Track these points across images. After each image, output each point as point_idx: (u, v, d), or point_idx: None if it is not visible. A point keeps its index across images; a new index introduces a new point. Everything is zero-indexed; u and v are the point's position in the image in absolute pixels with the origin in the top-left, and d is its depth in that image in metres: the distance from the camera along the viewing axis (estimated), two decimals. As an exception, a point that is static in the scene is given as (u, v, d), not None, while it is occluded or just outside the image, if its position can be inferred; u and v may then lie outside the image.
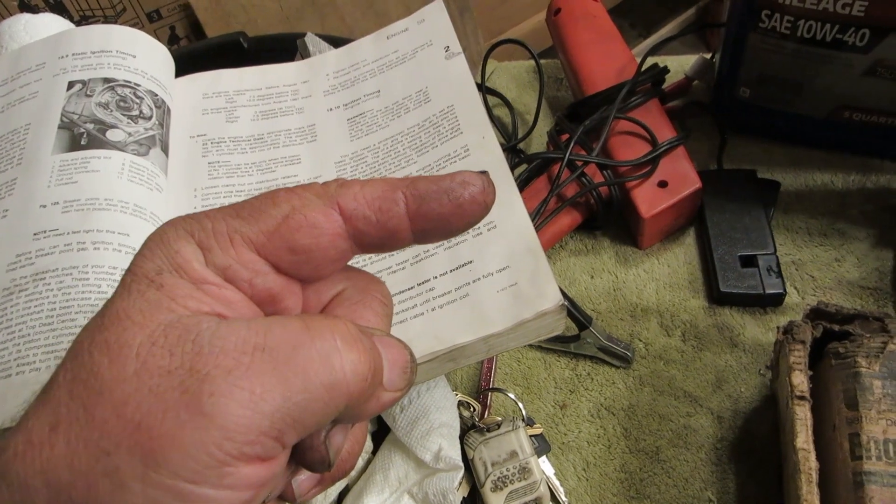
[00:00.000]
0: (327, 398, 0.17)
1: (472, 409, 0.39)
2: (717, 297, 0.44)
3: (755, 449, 0.38)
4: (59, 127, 0.37)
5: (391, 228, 0.20)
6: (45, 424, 0.16)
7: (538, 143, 0.55)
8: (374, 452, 0.36)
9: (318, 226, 0.19)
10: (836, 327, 0.34)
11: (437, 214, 0.20)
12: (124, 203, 0.34)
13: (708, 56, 0.54)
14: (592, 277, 0.46)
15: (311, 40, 0.49)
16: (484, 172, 0.21)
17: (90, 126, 0.37)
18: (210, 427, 0.15)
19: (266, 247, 0.18)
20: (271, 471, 0.17)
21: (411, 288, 0.32)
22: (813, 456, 0.31)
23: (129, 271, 0.18)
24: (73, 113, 0.38)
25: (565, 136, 0.48)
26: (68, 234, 0.32)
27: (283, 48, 0.51)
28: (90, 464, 0.15)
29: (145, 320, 0.16)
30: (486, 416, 0.40)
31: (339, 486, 0.34)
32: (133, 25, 0.45)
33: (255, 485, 0.16)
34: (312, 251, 0.19)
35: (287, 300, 0.20)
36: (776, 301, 0.43)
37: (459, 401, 0.39)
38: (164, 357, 0.16)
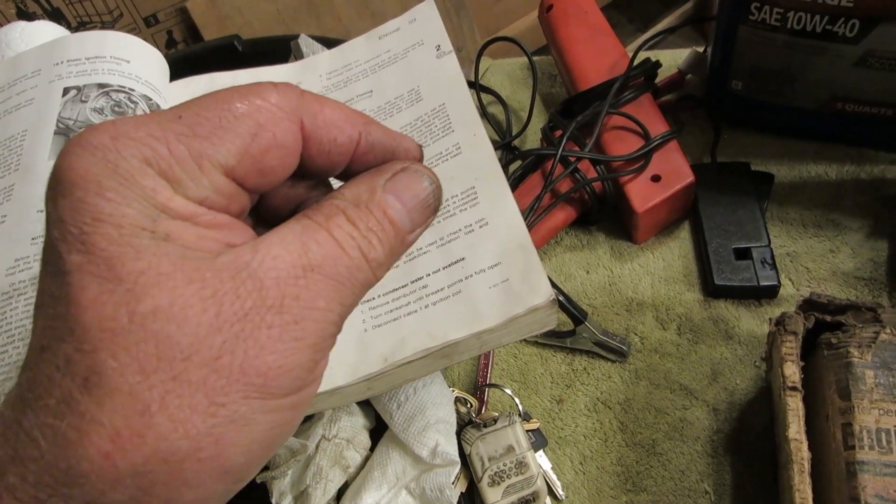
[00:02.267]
0: (367, 287, 0.19)
1: (468, 405, 0.40)
2: (711, 290, 0.44)
3: (751, 441, 0.38)
4: (55, 133, 0.38)
5: (334, 161, 0.19)
6: (130, 413, 0.15)
7: (533, 139, 0.55)
8: (371, 449, 0.37)
9: (287, 146, 0.18)
10: (829, 318, 0.35)
11: (373, 166, 0.20)
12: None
13: (701, 49, 0.54)
14: (588, 272, 0.47)
15: (305, 42, 0.50)
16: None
17: (85, 131, 0.38)
18: (304, 349, 0.17)
19: (236, 170, 0.17)
20: (329, 354, 0.18)
21: (405, 286, 0.33)
22: (805, 446, 0.31)
23: (102, 222, 0.15)
24: (69, 119, 0.38)
25: (559, 133, 0.48)
26: (65, 238, 0.32)
27: (277, 50, 0.51)
28: (209, 422, 0.15)
29: (185, 274, 0.15)
30: (482, 411, 0.40)
31: (338, 482, 0.35)
32: (130, 30, 0.45)
33: (324, 369, 0.19)
34: (277, 172, 0.18)
35: (246, 210, 0.19)
36: (771, 293, 0.43)
37: (456, 397, 0.39)
38: (234, 302, 0.16)
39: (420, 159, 0.21)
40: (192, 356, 0.15)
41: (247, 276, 0.16)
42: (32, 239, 0.33)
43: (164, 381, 0.15)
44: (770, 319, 0.36)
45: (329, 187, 0.22)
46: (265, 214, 0.21)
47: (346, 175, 0.20)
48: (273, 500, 0.35)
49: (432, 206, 0.20)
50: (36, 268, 0.31)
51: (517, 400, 0.40)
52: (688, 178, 0.45)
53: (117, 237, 0.15)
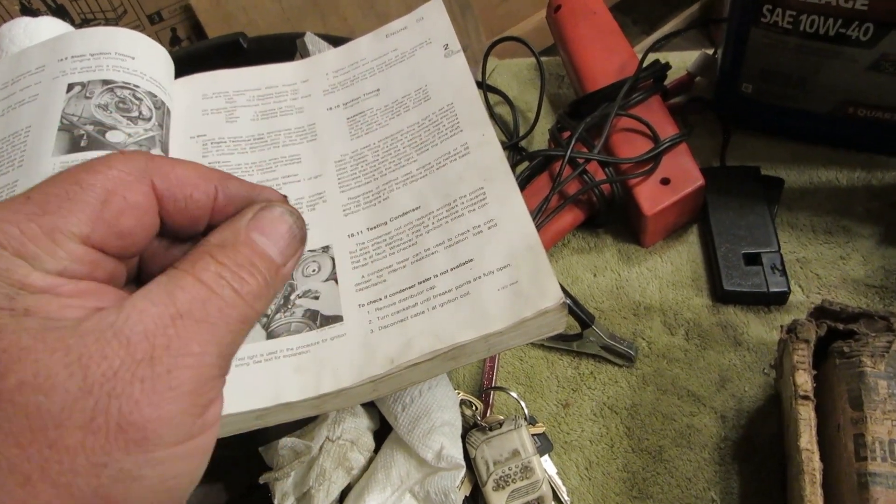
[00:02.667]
0: (247, 323, 0.19)
1: (474, 408, 0.39)
2: (720, 296, 0.43)
3: (759, 449, 0.38)
4: (59, 129, 0.37)
5: (194, 217, 0.20)
6: (11, 487, 0.15)
7: (540, 140, 0.55)
8: (376, 451, 0.36)
9: (142, 207, 0.19)
10: (841, 326, 0.34)
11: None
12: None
13: (710, 52, 0.53)
14: (595, 275, 0.46)
15: (311, 40, 0.49)
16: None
17: (90, 128, 0.37)
18: (181, 396, 0.17)
19: (91, 237, 0.18)
20: (222, 396, 0.18)
21: (412, 287, 0.32)
22: (817, 456, 0.31)
23: None
24: (73, 115, 0.38)
25: (567, 134, 0.48)
26: (68, 235, 0.32)
27: (283, 48, 0.51)
28: (93, 483, 0.16)
29: (47, 345, 0.16)
30: (488, 414, 0.40)
31: (342, 484, 0.34)
32: (134, 27, 0.45)
33: (220, 412, 0.18)
34: (137, 233, 0.19)
35: (121, 276, 0.19)
36: (780, 299, 0.43)
37: (461, 399, 0.38)
38: (101, 363, 0.16)
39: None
40: (65, 422, 0.15)
41: (112, 336, 0.16)
42: (35, 235, 0.32)
43: (41, 450, 0.15)
44: (781, 326, 0.35)
45: None
46: (148, 280, 0.21)
47: (210, 230, 0.21)
48: (276, 502, 0.34)
49: (298, 237, 0.21)
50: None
51: (523, 403, 0.39)
52: (697, 181, 0.45)
53: None
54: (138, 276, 0.21)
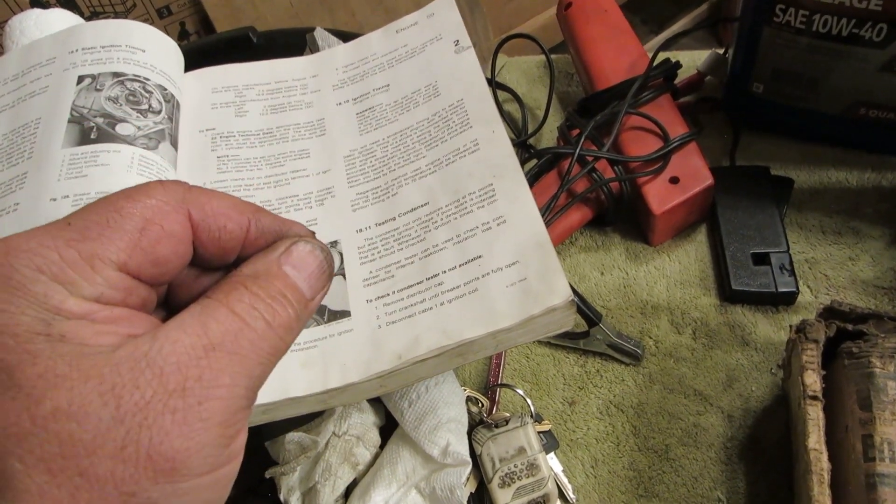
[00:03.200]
0: (276, 355, 0.19)
1: (480, 405, 0.39)
2: (728, 295, 0.43)
3: (766, 448, 0.38)
4: (69, 121, 0.37)
5: (226, 248, 0.20)
6: None
7: (548, 138, 0.55)
8: (381, 447, 0.36)
9: (177, 235, 0.19)
10: (850, 327, 0.34)
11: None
12: (134, 196, 0.34)
13: (721, 51, 0.53)
14: (602, 274, 0.46)
15: (321, 35, 0.49)
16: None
17: (100, 120, 0.37)
18: (211, 428, 0.17)
19: (128, 264, 0.18)
20: (246, 426, 0.19)
21: (420, 282, 0.32)
22: (825, 457, 0.31)
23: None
24: (83, 107, 0.38)
25: (576, 132, 0.48)
26: (78, 227, 0.32)
27: (293, 43, 0.51)
28: None
29: (82, 372, 0.16)
30: (494, 411, 0.40)
31: (347, 479, 0.34)
32: (143, 21, 0.45)
33: (244, 442, 0.19)
34: (172, 261, 0.19)
35: (152, 303, 0.20)
36: (789, 300, 0.42)
37: (467, 396, 0.38)
38: (134, 392, 0.16)
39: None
40: (97, 450, 0.16)
41: (145, 366, 0.16)
42: (45, 227, 0.32)
43: (72, 478, 0.15)
44: (790, 326, 0.35)
45: None
46: (176, 307, 0.21)
47: (240, 262, 0.21)
48: (281, 496, 0.34)
49: (327, 272, 0.21)
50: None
51: (529, 401, 0.39)
52: (707, 180, 0.44)
53: (14, 346, 0.16)
54: (166, 302, 0.21)
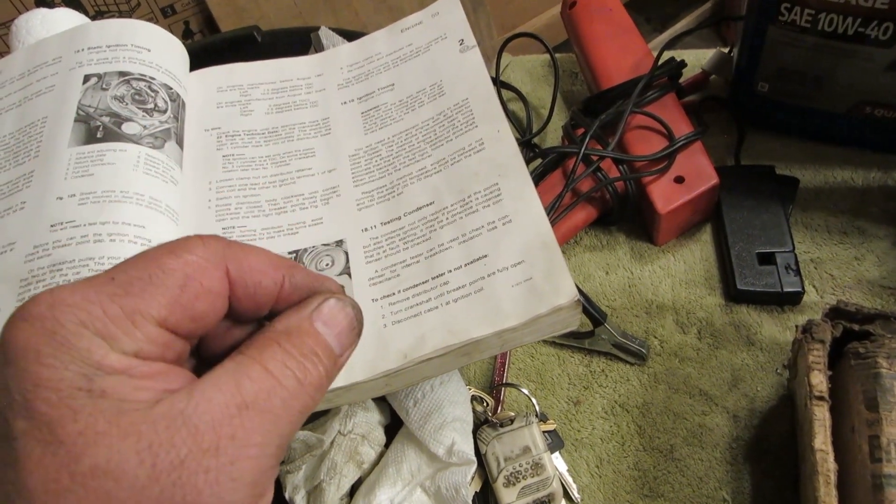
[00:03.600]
0: (305, 413, 0.19)
1: (485, 404, 0.39)
2: (733, 295, 0.43)
3: (771, 449, 0.38)
4: (76, 120, 0.37)
5: (260, 303, 0.21)
6: None
7: (553, 137, 0.55)
8: (386, 445, 0.36)
9: (215, 291, 0.19)
10: (857, 327, 0.34)
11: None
12: (140, 195, 0.34)
13: (725, 50, 0.53)
14: (607, 273, 0.46)
15: (325, 34, 0.49)
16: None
17: (106, 119, 0.37)
18: (242, 487, 0.17)
19: (168, 320, 0.18)
20: (272, 486, 0.19)
21: (425, 282, 0.32)
22: (831, 457, 0.31)
23: (42, 388, 0.16)
24: (89, 106, 0.38)
25: (580, 131, 0.48)
26: (85, 225, 0.32)
27: (297, 42, 0.51)
28: None
29: (121, 429, 0.16)
30: (499, 411, 0.40)
31: (352, 477, 0.34)
32: (148, 20, 0.45)
33: (270, 501, 0.19)
34: (209, 316, 0.20)
35: (185, 354, 0.20)
36: (794, 299, 0.42)
37: (473, 396, 0.38)
38: (170, 451, 0.16)
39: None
40: None
41: (181, 424, 0.17)
42: (51, 226, 0.33)
43: None
44: (796, 326, 0.35)
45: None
46: (207, 357, 0.22)
47: (273, 316, 0.22)
48: (286, 495, 0.34)
49: (357, 330, 0.22)
50: (55, 255, 0.31)
51: (534, 400, 0.39)
52: (712, 180, 0.44)
53: (56, 401, 0.16)
54: (197, 351, 0.21)
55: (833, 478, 0.30)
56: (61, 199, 0.34)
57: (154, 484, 0.16)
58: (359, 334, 0.22)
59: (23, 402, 0.16)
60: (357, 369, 0.30)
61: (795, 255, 0.43)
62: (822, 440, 0.31)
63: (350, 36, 0.49)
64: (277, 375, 0.18)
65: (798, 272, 0.42)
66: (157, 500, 0.16)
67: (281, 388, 0.18)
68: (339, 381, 0.30)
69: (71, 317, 0.17)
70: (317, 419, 0.36)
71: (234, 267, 0.20)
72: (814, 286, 0.43)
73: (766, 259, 0.43)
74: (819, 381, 0.32)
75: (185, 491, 0.16)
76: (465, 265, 0.32)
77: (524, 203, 0.33)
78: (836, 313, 0.35)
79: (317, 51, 0.49)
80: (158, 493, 0.16)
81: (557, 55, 0.56)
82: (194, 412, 0.17)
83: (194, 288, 0.19)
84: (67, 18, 0.48)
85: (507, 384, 0.41)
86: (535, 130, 0.54)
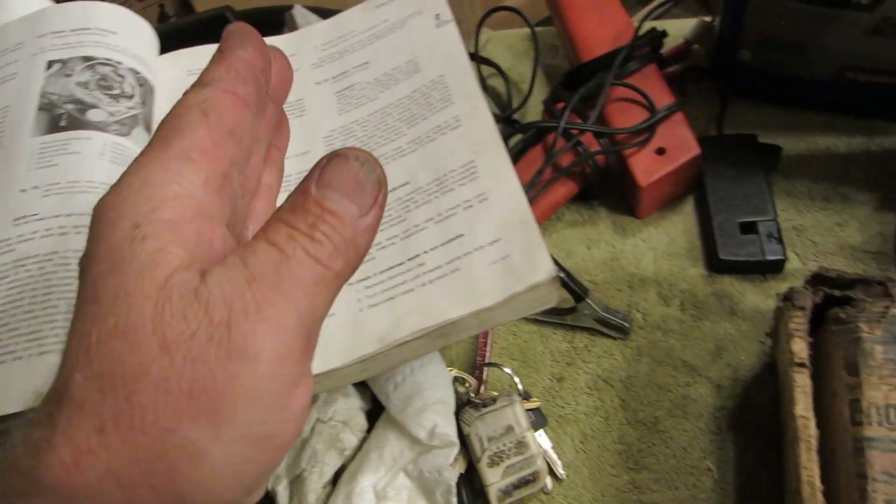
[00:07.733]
0: (324, 285, 0.18)
1: (467, 385, 0.39)
2: (716, 266, 0.43)
3: (755, 417, 0.38)
4: (39, 108, 0.36)
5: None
6: (89, 430, 0.15)
7: (534, 112, 0.54)
8: (368, 431, 0.36)
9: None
10: (838, 293, 0.34)
11: None
12: (106, 185, 0.33)
13: (708, 19, 0.52)
14: (589, 248, 0.46)
15: (300, 13, 0.48)
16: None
17: (70, 107, 0.36)
18: (259, 366, 0.16)
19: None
20: (311, 384, 0.18)
21: (401, 264, 0.32)
22: (813, 423, 0.31)
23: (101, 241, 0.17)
24: (53, 94, 0.37)
25: (561, 105, 0.47)
26: (49, 218, 0.31)
27: (271, 22, 0.50)
28: (159, 447, 0.15)
29: (143, 291, 0.16)
30: (481, 391, 0.40)
31: (334, 465, 0.34)
32: (122, 4, 0.44)
33: (308, 404, 0.18)
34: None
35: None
36: (776, 267, 0.42)
37: (454, 376, 0.38)
38: (181, 322, 0.16)
39: None
40: (141, 378, 0.15)
41: (193, 297, 0.16)
42: (14, 220, 0.32)
43: (118, 401, 0.15)
44: (777, 294, 0.35)
45: None
46: None
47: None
48: (268, 485, 0.34)
49: (373, 181, 0.19)
50: (19, 250, 0.30)
51: (517, 379, 0.39)
52: (693, 150, 0.44)
53: (105, 254, 0.17)
54: None
55: (814, 444, 0.30)
56: (24, 191, 0.33)
57: (164, 355, 0.15)
58: (378, 185, 0.19)
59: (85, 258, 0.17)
60: (333, 355, 0.30)
61: (778, 223, 0.43)
62: (803, 407, 0.31)
63: (325, 14, 0.48)
64: (283, 247, 0.17)
65: (780, 240, 0.42)
66: (166, 373, 0.15)
67: (287, 260, 0.17)
68: (316, 367, 0.29)
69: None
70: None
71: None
72: (796, 253, 0.43)
73: (749, 228, 0.43)
74: (800, 347, 0.32)
75: (195, 366, 0.15)
76: (441, 245, 0.32)
77: (501, 180, 0.33)
78: (817, 280, 0.34)
79: (290, 30, 0.48)
80: (168, 364, 0.15)
81: (539, 29, 0.54)
82: (205, 288, 0.16)
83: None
84: (29, 2, 0.46)
85: (490, 364, 0.41)
86: (515, 106, 0.53)
